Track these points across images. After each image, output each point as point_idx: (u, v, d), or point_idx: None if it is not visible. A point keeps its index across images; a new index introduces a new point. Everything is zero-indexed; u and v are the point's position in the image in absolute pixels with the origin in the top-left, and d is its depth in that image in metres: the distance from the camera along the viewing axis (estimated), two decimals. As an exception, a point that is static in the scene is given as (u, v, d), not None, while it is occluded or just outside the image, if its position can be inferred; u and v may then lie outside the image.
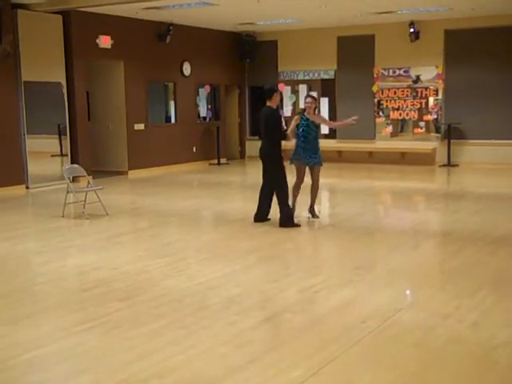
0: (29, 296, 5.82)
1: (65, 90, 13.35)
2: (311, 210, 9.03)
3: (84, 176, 10.43)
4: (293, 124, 8.75)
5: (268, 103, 8.49)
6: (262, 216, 8.69)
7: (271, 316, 5.03)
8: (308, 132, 8.63)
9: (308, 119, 8.64)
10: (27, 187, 12.72)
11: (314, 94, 16.07)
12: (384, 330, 4.66)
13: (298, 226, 8.46)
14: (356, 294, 5.58)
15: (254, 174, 16.01)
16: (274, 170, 8.44)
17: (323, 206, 11.49)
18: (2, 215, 9.95)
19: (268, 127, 8.40)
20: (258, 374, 3.98)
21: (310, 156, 8.68)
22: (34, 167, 12.84)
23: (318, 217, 9.06)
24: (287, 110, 17.78)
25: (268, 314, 5.08)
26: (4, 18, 11.73)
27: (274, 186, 8.48)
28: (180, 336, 4.64)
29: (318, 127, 8.80)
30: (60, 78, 13.28)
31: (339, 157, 16.93)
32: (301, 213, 9.06)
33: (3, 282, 6.28)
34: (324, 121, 8.93)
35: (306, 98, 8.93)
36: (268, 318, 4.97)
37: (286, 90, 17.78)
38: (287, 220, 8.39)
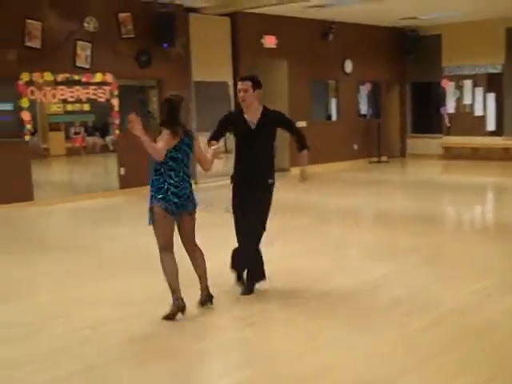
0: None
1: (230, 89, 13.87)
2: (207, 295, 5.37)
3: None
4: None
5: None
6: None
7: (440, 318, 4.95)
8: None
9: None
10: (196, 183, 13.36)
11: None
12: (561, 340, 4.46)
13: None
14: (529, 301, 5.36)
15: (416, 172, 15.77)
16: (268, 203, 5.74)
17: (486, 207, 11.09)
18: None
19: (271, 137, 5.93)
20: (424, 379, 3.91)
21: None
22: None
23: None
24: (450, 107, 17.27)
25: (436, 316, 5.00)
26: (177, 22, 12.42)
27: (257, 225, 5.69)
28: (342, 335, 4.66)
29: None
30: (227, 77, 13.82)
31: (505, 154, 16.20)
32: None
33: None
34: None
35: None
36: (437, 320, 4.90)
37: (449, 86, 17.26)
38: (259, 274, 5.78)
